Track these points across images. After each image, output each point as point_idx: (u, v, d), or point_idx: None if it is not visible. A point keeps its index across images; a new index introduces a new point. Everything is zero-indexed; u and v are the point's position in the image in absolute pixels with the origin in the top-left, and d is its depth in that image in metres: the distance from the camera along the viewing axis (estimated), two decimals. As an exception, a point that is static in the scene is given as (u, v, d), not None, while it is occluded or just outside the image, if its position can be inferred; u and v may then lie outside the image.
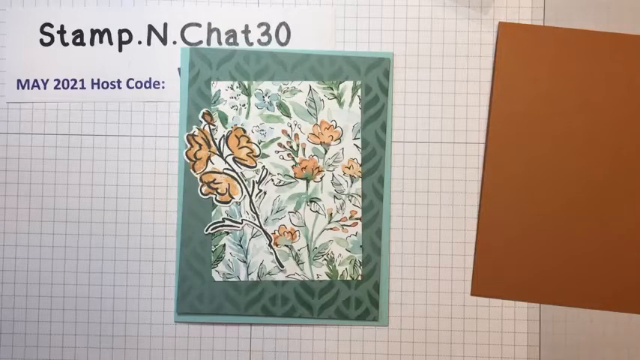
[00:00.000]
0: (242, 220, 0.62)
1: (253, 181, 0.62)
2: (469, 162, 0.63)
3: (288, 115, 0.62)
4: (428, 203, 0.63)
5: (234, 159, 0.62)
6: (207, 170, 0.62)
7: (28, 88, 0.63)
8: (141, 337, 0.62)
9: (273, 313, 0.62)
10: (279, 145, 0.62)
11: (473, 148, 0.63)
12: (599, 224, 0.61)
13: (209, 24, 0.63)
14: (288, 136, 0.62)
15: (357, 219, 0.62)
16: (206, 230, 0.62)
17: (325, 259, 0.62)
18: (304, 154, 0.62)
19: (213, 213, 0.62)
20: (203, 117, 0.62)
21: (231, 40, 0.63)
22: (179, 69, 0.63)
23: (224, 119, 0.62)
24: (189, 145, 0.62)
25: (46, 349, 0.62)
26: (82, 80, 0.63)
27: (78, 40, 0.63)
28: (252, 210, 0.62)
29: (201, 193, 0.62)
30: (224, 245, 0.62)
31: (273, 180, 0.62)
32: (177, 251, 0.62)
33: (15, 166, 0.63)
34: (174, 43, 0.63)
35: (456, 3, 0.63)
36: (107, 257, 0.63)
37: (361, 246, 0.62)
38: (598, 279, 0.61)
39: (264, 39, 0.63)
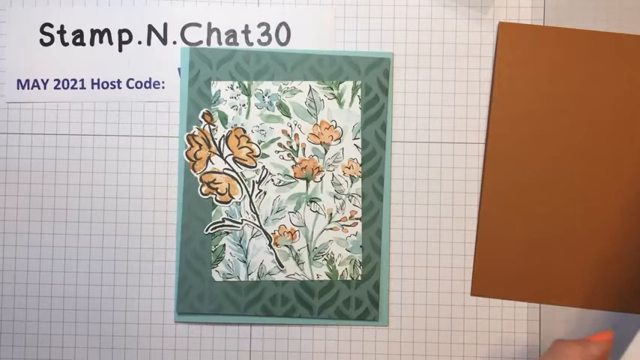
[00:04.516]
0: (242, 220, 0.62)
1: (253, 181, 0.62)
2: (469, 162, 0.63)
3: (288, 115, 0.62)
4: (428, 203, 0.63)
5: (234, 159, 0.62)
6: (207, 170, 0.62)
7: (28, 88, 0.63)
8: (141, 337, 0.62)
9: (273, 313, 0.62)
10: (279, 145, 0.62)
11: (473, 148, 0.63)
12: (599, 224, 0.61)
13: (209, 24, 0.63)
14: (288, 136, 0.62)
15: (357, 219, 0.62)
16: (206, 230, 0.62)
17: (325, 259, 0.62)
18: (304, 154, 0.62)
19: (213, 213, 0.62)
20: (203, 117, 0.62)
21: (231, 40, 0.63)
22: (179, 69, 0.63)
23: (224, 119, 0.62)
24: (189, 145, 0.62)
25: (46, 349, 0.63)
26: (82, 80, 0.63)
27: (78, 40, 0.63)
28: (252, 210, 0.62)
29: (201, 193, 0.62)
30: (224, 245, 0.62)
31: (273, 180, 0.62)
32: (177, 251, 0.62)
33: (15, 166, 0.63)
34: (175, 43, 0.63)
35: (456, 3, 0.63)
36: (107, 257, 0.63)
37: (361, 246, 0.62)
38: (598, 279, 0.61)
39: (264, 39, 0.63)
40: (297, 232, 0.62)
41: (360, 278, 0.62)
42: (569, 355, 0.50)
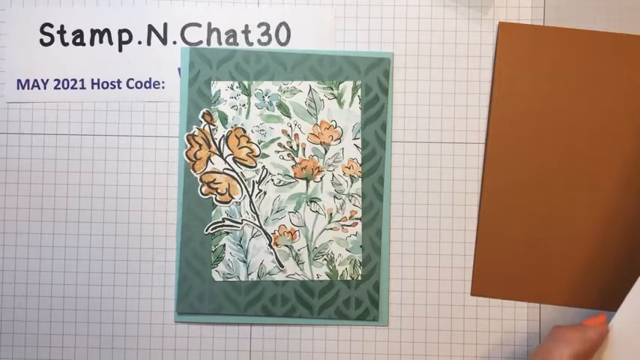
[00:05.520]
0: (242, 220, 0.62)
1: (253, 181, 0.62)
2: (469, 162, 0.63)
3: (288, 115, 0.62)
4: (428, 203, 0.63)
5: (234, 159, 0.62)
6: (207, 170, 0.62)
7: (28, 88, 0.63)
8: (141, 337, 0.62)
9: (273, 313, 0.62)
10: (279, 145, 0.62)
11: (473, 148, 0.63)
12: (599, 224, 0.61)
13: (209, 24, 0.63)
14: (288, 136, 0.62)
15: (357, 219, 0.62)
16: (206, 230, 0.62)
17: (325, 259, 0.62)
18: (304, 154, 0.62)
19: (213, 213, 0.62)
20: (203, 117, 0.62)
21: (231, 40, 0.63)
22: (179, 69, 0.63)
23: (224, 119, 0.62)
24: (189, 145, 0.62)
25: (46, 349, 0.63)
26: (82, 80, 0.63)
27: (78, 40, 0.63)
28: (252, 210, 0.62)
29: (201, 193, 0.62)
30: (224, 245, 0.62)
31: (273, 180, 0.62)
32: (177, 251, 0.62)
33: (15, 166, 0.63)
34: (175, 43, 0.63)
35: (456, 3, 0.63)
36: (107, 257, 0.63)
37: (361, 246, 0.62)
38: (598, 279, 0.61)
39: (264, 39, 0.63)
40: (297, 232, 0.62)
41: (360, 278, 0.62)
42: (568, 339, 0.50)
